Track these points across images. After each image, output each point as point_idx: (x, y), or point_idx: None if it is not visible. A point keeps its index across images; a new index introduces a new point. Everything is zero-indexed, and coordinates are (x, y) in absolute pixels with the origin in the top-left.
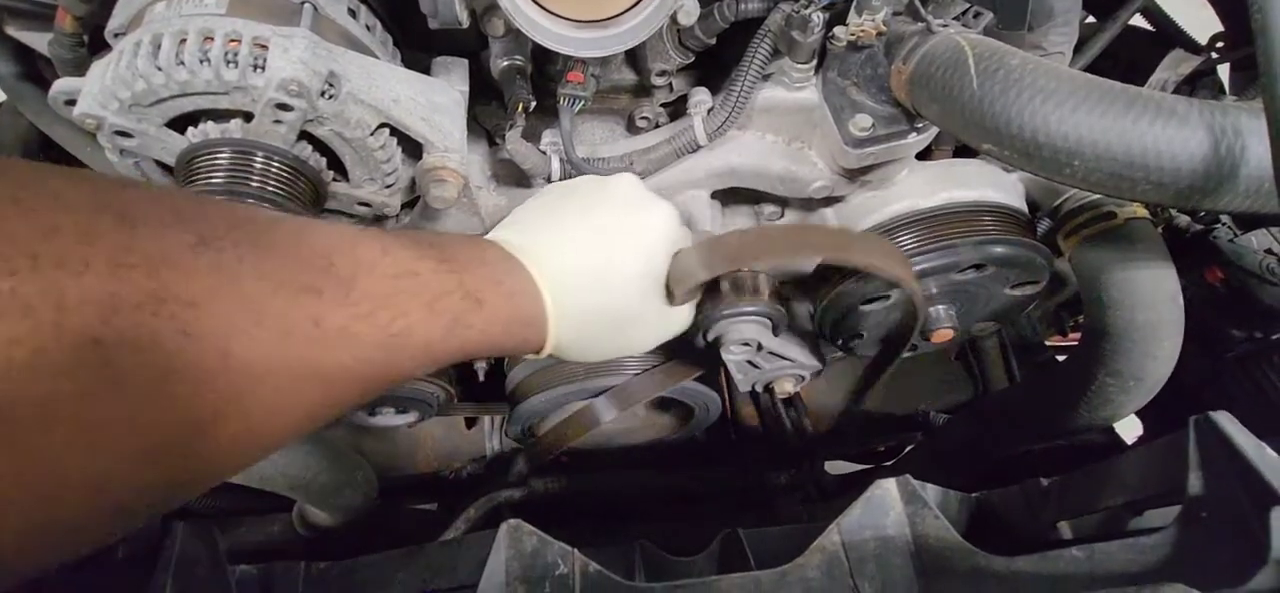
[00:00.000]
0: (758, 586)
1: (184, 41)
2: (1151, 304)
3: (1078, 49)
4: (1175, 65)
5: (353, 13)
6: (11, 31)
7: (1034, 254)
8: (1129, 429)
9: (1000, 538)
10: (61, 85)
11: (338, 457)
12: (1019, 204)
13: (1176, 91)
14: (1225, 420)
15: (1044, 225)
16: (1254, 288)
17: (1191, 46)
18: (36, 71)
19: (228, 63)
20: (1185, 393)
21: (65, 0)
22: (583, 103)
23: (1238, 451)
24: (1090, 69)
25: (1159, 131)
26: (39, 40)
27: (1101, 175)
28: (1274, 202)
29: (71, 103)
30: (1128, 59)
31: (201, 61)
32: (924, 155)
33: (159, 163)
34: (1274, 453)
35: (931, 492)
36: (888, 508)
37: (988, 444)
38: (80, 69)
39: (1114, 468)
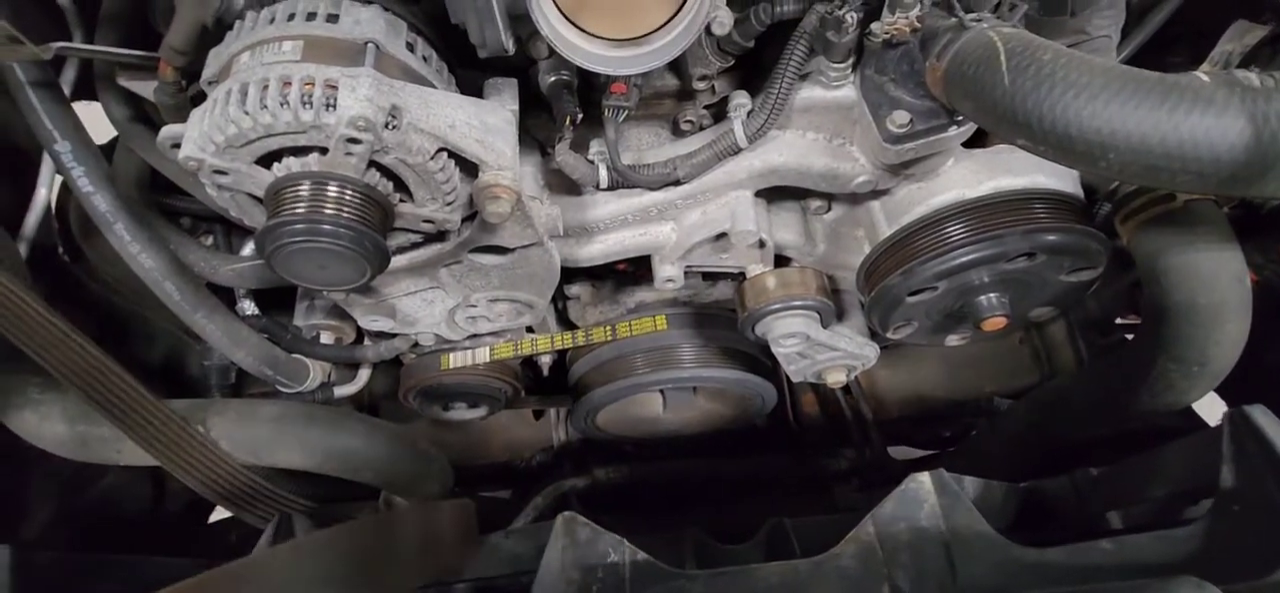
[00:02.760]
0: (795, 574)
1: (267, 88)
2: (1214, 287)
3: (1140, 18)
4: (1239, 36)
5: (411, 47)
6: (122, 81)
7: (1088, 240)
8: (1213, 411)
9: (1049, 527)
10: (167, 132)
11: (417, 452)
12: (1073, 189)
13: (1249, 58)
14: (1259, 414)
15: (1106, 208)
16: None
17: (1271, 6)
18: (145, 114)
19: (304, 104)
20: (1270, 373)
21: (165, 52)
22: (627, 112)
23: (1270, 444)
24: (1156, 37)
25: (1196, 121)
26: (145, 88)
27: (1138, 168)
28: None
29: (176, 146)
30: (1202, 23)
31: (282, 105)
32: (978, 138)
33: (251, 195)
34: None
35: (970, 484)
36: (922, 501)
37: (1049, 433)
38: (182, 113)
39: (1159, 459)
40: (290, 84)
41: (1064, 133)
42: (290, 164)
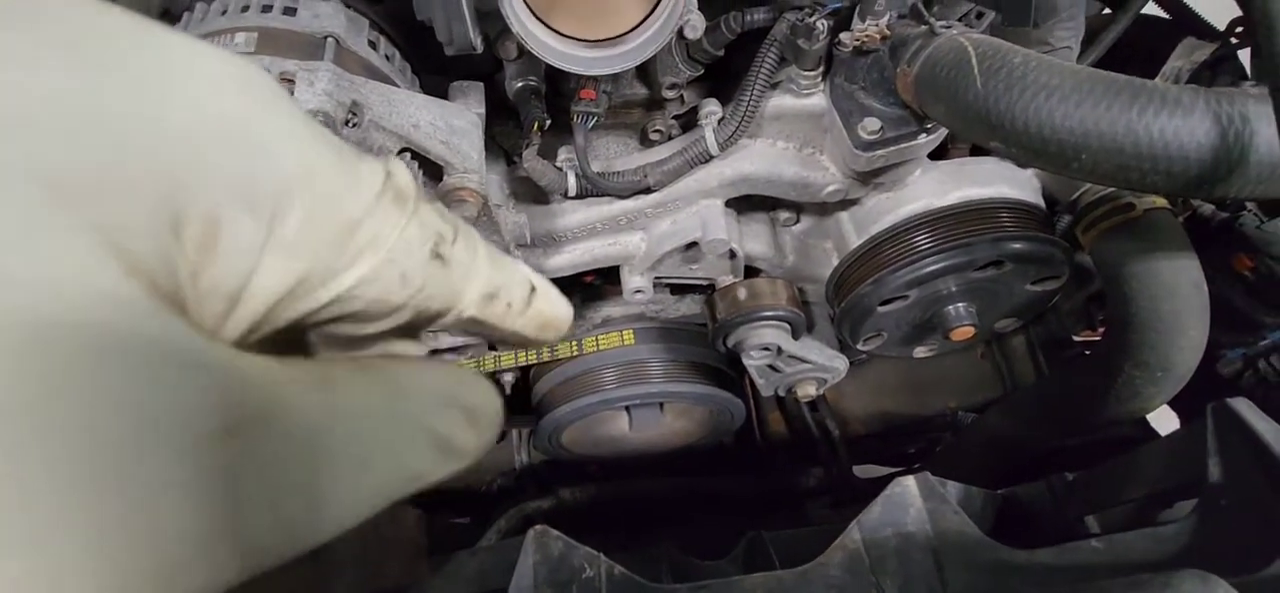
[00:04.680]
0: (780, 585)
1: None
2: (1174, 294)
3: (1091, 41)
4: (1188, 53)
5: (373, 44)
6: None
7: (1052, 249)
8: (1166, 423)
9: (1027, 534)
10: None
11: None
12: (1035, 199)
13: (1193, 78)
14: (1243, 407)
15: (1066, 220)
16: None
17: (1210, 32)
18: None
19: None
20: (1222, 383)
21: None
22: (596, 119)
23: (1256, 436)
24: (1106, 60)
25: (1164, 122)
26: None
27: (1109, 168)
28: None
29: None
30: (1147, 48)
31: None
32: (941, 152)
33: None
34: None
35: (953, 489)
36: (908, 505)
37: (1016, 442)
38: None
39: (1137, 460)
40: None
41: (1037, 134)
42: None
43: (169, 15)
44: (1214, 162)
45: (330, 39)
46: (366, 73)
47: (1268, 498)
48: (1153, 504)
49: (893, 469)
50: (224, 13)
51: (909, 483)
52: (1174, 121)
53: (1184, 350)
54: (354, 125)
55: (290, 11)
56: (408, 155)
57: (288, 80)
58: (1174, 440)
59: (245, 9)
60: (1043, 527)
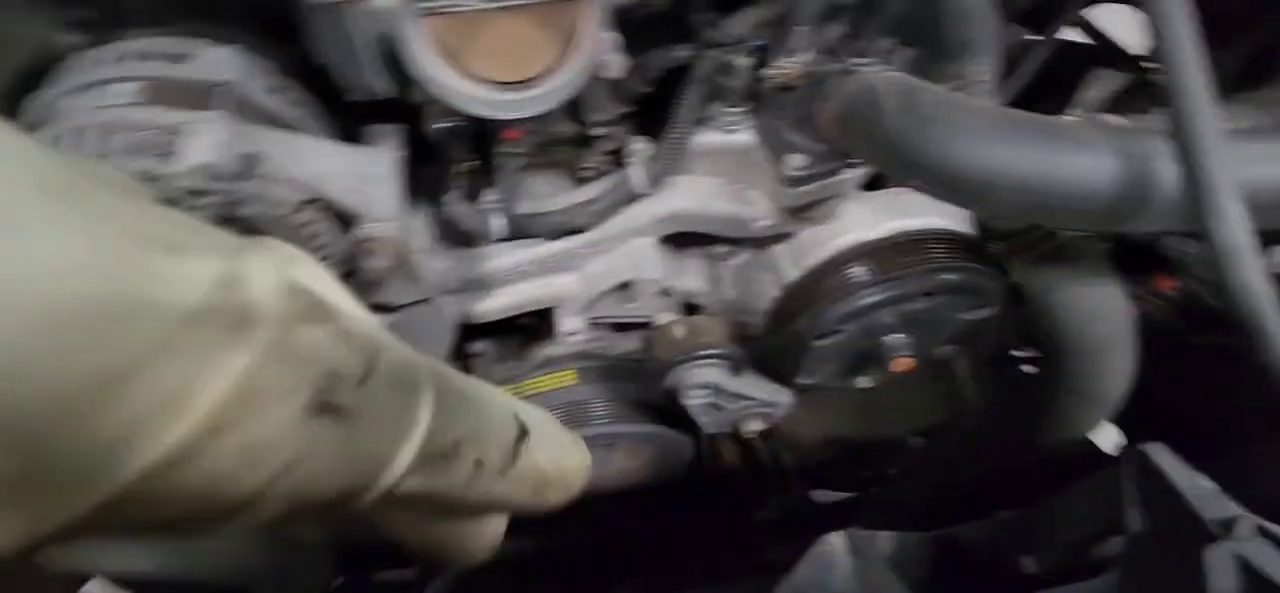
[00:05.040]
0: None
1: (86, 135)
2: (1101, 319)
3: (1012, 70)
4: (1102, 84)
5: (278, 90)
6: None
7: (984, 279)
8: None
9: (965, 575)
10: None
11: (274, 543)
12: (966, 229)
13: (1110, 107)
14: (1158, 453)
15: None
16: (1206, 294)
17: (1129, 59)
18: None
19: (133, 154)
20: (1159, 404)
21: None
22: (522, 159)
23: (1171, 486)
24: (1024, 88)
25: (1073, 160)
26: None
27: (1022, 205)
28: (1190, 221)
29: None
30: (1070, 76)
31: (101, 156)
32: (877, 182)
33: None
34: (1209, 483)
35: (883, 540)
36: (833, 565)
37: (961, 467)
38: None
39: (1066, 502)
40: (116, 131)
41: (949, 174)
42: None
43: (43, 65)
44: (1121, 199)
45: (224, 87)
46: (268, 121)
47: (1185, 547)
48: (1087, 542)
49: (848, 495)
50: (118, 61)
51: (835, 541)
52: (1080, 160)
53: (1114, 374)
54: (250, 178)
55: (180, 58)
56: (313, 206)
57: (171, 133)
58: (1098, 484)
59: (129, 57)
60: (980, 567)
